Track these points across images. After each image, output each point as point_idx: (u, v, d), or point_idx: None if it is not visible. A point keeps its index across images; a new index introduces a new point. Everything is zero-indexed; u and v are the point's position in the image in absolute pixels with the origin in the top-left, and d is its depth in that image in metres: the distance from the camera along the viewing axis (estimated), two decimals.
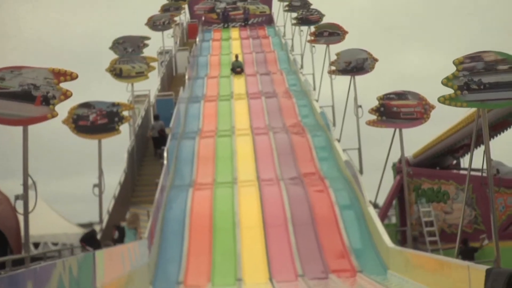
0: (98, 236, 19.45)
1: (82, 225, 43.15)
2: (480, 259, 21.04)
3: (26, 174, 13.02)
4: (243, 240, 18.70)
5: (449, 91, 15.30)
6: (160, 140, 27.49)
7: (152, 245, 17.53)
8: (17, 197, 12.84)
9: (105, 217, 20.48)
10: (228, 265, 17.72)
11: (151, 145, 28.73)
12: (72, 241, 33.73)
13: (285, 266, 17.51)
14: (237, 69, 35.85)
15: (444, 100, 15.17)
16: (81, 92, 16.28)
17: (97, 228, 20.95)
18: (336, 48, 28.98)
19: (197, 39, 44.33)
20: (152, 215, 18.34)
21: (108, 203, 21.55)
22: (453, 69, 15.05)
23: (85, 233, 18.94)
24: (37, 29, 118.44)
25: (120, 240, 18.57)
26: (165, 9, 43.78)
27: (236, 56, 37.11)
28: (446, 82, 15.16)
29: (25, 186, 13.00)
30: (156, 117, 28.84)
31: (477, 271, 10.80)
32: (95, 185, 19.41)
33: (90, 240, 18.22)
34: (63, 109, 16.38)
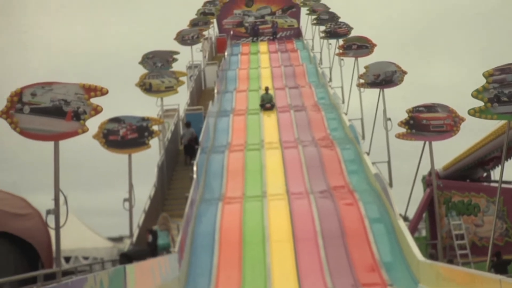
0: (129, 248, 19.49)
1: (113, 239, 43.35)
2: None
3: (57, 189, 13.13)
4: (273, 254, 18.69)
5: (479, 103, 15.25)
6: (191, 148, 27.65)
7: (182, 259, 17.58)
8: (48, 212, 12.95)
9: (136, 231, 20.56)
10: (258, 279, 17.70)
11: (181, 157, 28.86)
12: (102, 255, 33.89)
13: (315, 280, 17.47)
14: (266, 104, 31.48)
15: (474, 112, 15.12)
16: (111, 107, 16.41)
17: (127, 242, 21.01)
18: (364, 61, 28.96)
19: (226, 53, 44.45)
20: (182, 229, 18.40)
21: (139, 217, 21.64)
22: (479, 81, 15.00)
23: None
24: (63, 41, 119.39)
25: (154, 242, 18.63)
26: (193, 23, 44.02)
27: (266, 89, 32.82)
28: (476, 94, 15.11)
29: (57, 201, 13.11)
30: (188, 125, 28.96)
31: (510, 285, 10.70)
32: (125, 200, 19.52)
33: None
34: (93, 124, 16.51)
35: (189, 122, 29.28)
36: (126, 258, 17.82)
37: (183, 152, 28.73)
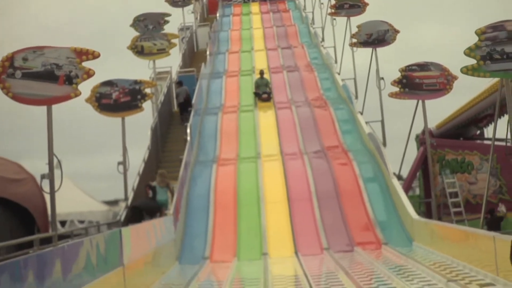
0: (122, 216, 19.60)
1: (108, 203, 43.43)
2: (506, 229, 21.00)
3: (51, 153, 13.14)
4: (268, 215, 18.77)
5: (471, 61, 15.22)
6: (186, 105, 28.11)
7: (178, 221, 17.64)
8: (43, 176, 12.96)
9: (130, 194, 20.61)
10: (253, 240, 17.79)
11: (175, 119, 28.87)
12: (98, 219, 33.99)
13: (310, 239, 17.56)
14: (263, 95, 27.45)
15: (467, 70, 15.11)
16: (102, 70, 16.35)
17: (122, 205, 21.10)
18: (357, 20, 28.84)
19: (218, 15, 44.23)
20: (177, 191, 18.44)
21: (133, 181, 21.67)
22: (472, 40, 14.97)
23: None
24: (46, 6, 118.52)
25: (154, 198, 18.76)
26: None
27: (261, 73, 28.49)
28: (469, 52, 15.08)
29: (51, 165, 13.12)
30: (180, 83, 29.62)
31: (503, 242, 10.78)
32: (119, 163, 19.54)
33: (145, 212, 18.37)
34: (86, 88, 16.46)
35: (181, 80, 29.64)
36: (137, 210, 18.40)
37: (179, 111, 28.98)
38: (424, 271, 12.67)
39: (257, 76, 28.37)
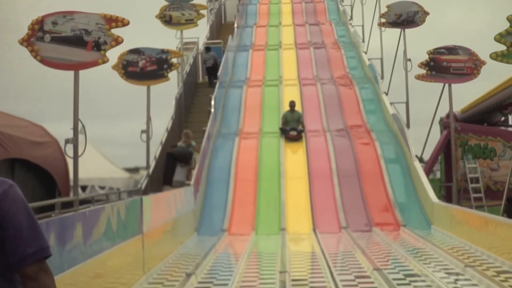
0: (143, 184, 19.73)
1: (129, 170, 43.64)
2: None
3: (76, 118, 13.21)
4: (288, 191, 18.82)
5: (501, 47, 15.11)
6: (214, 69, 28.69)
7: (198, 192, 17.73)
8: (67, 141, 13.03)
9: (152, 163, 20.70)
10: (272, 215, 17.85)
11: (200, 91, 28.93)
12: (119, 185, 34.18)
13: (329, 217, 17.60)
14: (291, 132, 22.16)
15: (496, 56, 15.00)
16: (130, 38, 16.37)
17: (143, 173, 21.20)
18: (387, 0, 28.64)
19: None
20: (199, 162, 18.51)
21: (155, 149, 21.76)
22: (500, 26, 14.85)
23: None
24: None
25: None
26: None
27: (292, 105, 22.96)
28: (499, 38, 14.97)
29: (75, 130, 13.19)
30: (208, 49, 30.39)
31: None
32: (143, 131, 19.59)
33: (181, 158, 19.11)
34: (113, 55, 16.47)
35: (209, 46, 30.82)
36: (172, 157, 19.09)
37: (207, 73, 30.09)
38: (442, 255, 12.68)
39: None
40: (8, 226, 3.07)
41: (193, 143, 19.97)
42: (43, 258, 3.12)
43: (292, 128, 22.07)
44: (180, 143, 19.82)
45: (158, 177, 20.01)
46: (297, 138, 21.88)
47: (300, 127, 22.22)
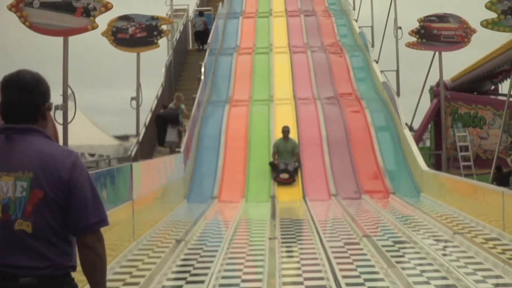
0: (133, 151, 19.72)
1: (118, 137, 43.55)
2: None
3: (65, 85, 13.13)
4: None
5: (492, 15, 15.08)
6: (204, 34, 28.51)
7: (188, 159, 17.72)
8: (56, 107, 12.97)
9: (142, 130, 20.65)
10: (262, 183, 17.89)
11: (191, 57, 28.82)
12: (108, 153, 34.13)
13: (319, 185, 17.64)
14: (281, 174, 17.95)
15: (486, 24, 14.98)
16: (120, 4, 16.26)
17: (133, 141, 21.18)
18: None
19: None
20: (189, 130, 18.49)
21: (145, 117, 21.70)
22: None
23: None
24: None
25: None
26: None
27: (285, 131, 18.60)
28: (490, 6, 14.92)
29: (65, 97, 13.12)
30: (201, 14, 30.32)
31: None
32: (132, 98, 19.51)
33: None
34: (102, 21, 16.33)
35: (202, 11, 30.62)
36: (161, 118, 19.66)
37: (196, 37, 29.81)
38: (431, 222, 12.74)
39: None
40: (76, 196, 3.27)
41: (183, 106, 20.12)
42: (101, 228, 3.36)
43: (283, 169, 17.64)
44: (171, 105, 20.01)
45: (148, 144, 19.99)
46: (289, 182, 17.52)
47: (294, 163, 17.75)
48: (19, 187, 3.23)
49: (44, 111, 3.43)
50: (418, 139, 25.74)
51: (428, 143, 30.75)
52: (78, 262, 3.37)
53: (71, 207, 3.26)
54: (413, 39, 20.57)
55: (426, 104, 27.94)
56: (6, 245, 3.22)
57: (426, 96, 27.75)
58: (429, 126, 27.34)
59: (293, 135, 19.52)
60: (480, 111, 26.04)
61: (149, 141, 20.26)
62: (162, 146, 19.85)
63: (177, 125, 19.43)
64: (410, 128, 23.53)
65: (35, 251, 3.21)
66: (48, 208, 3.23)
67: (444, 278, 8.40)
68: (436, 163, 24.71)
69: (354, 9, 32.46)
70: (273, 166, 17.95)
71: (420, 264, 9.23)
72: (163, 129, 19.48)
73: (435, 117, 26.03)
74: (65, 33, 13.06)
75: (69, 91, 13.24)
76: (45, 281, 3.22)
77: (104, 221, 3.35)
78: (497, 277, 8.40)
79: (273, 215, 14.01)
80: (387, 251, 9.99)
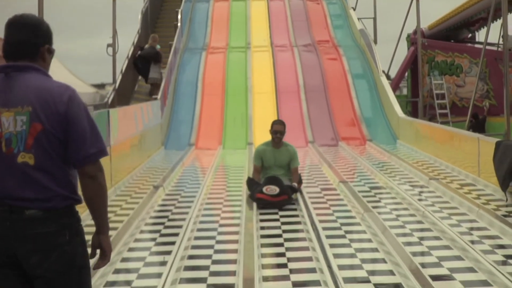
0: (110, 98, 19.64)
1: (95, 86, 43.29)
2: (489, 132, 21.16)
3: None
4: (255, 105, 18.82)
5: None
6: None
7: (165, 106, 17.68)
8: None
9: (119, 78, 20.52)
10: (239, 130, 17.89)
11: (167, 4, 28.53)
12: (85, 100, 33.85)
13: (296, 132, 17.64)
14: (265, 187, 9.70)
15: None
16: None
17: (109, 89, 21.07)
18: None
19: None
20: (165, 76, 18.41)
21: (122, 64, 21.54)
22: None
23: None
24: None
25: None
26: None
27: (277, 133, 10.50)
28: None
29: None
30: None
31: (487, 143, 10.90)
32: (109, 45, 19.36)
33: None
34: None
35: None
36: (141, 58, 19.91)
37: None
38: (407, 168, 12.84)
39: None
40: (74, 129, 3.37)
41: (158, 46, 20.21)
42: (101, 158, 3.46)
43: (268, 181, 9.91)
44: (146, 46, 20.06)
45: (124, 92, 19.89)
46: (278, 203, 9.58)
47: (290, 182, 10.36)
48: (19, 121, 3.35)
49: (44, 53, 3.52)
50: (395, 87, 25.79)
51: (405, 91, 30.84)
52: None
53: (70, 139, 3.37)
54: None
55: (403, 53, 27.98)
56: (11, 178, 3.34)
57: (403, 44, 27.78)
58: (406, 74, 27.39)
59: (269, 82, 19.52)
60: (457, 59, 26.08)
61: (126, 89, 20.15)
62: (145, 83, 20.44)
63: (159, 62, 19.69)
64: (387, 77, 23.56)
65: (38, 183, 3.34)
66: (47, 140, 3.35)
67: (419, 222, 8.49)
68: (412, 111, 24.82)
69: None
70: (250, 184, 10.32)
71: (396, 209, 9.31)
72: (146, 68, 19.73)
73: (412, 65, 26.09)
74: None
75: None
76: (49, 213, 3.33)
77: (103, 152, 3.45)
78: (471, 221, 8.51)
79: (250, 162, 14.02)
80: (364, 196, 10.07)
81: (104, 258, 3.55)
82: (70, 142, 3.37)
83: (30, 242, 3.31)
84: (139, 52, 20.32)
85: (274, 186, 9.48)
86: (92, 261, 3.52)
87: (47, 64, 3.55)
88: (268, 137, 10.66)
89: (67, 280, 3.38)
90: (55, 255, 3.33)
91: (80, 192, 3.48)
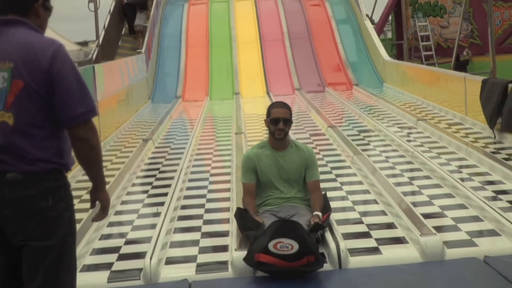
0: (94, 55, 19.52)
1: (79, 43, 43.01)
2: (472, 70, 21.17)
3: None
4: (240, 55, 18.76)
5: None
6: None
7: (150, 60, 17.61)
8: None
9: (102, 33, 20.34)
10: (225, 80, 17.86)
11: None
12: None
13: (282, 80, 17.66)
14: (276, 240, 5.05)
15: None
16: None
17: (92, 46, 20.93)
18: None
19: None
20: (149, 30, 18.29)
21: (104, 19, 21.33)
22: None
23: None
24: None
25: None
26: None
27: (278, 120, 5.99)
28: None
29: None
30: None
31: (473, 82, 10.94)
32: (90, 1, 19.16)
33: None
34: None
35: None
36: (128, 5, 20.29)
37: None
38: (394, 110, 12.87)
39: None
40: (59, 86, 3.18)
41: None
42: (91, 118, 3.28)
43: (277, 230, 5.15)
44: None
45: (108, 48, 19.74)
46: (297, 273, 5.08)
47: (308, 211, 5.92)
48: (0, 78, 3.18)
49: (38, 9, 3.36)
50: (379, 31, 25.69)
51: (389, 35, 30.73)
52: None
53: (56, 98, 3.19)
54: None
55: None
56: None
57: None
58: (390, 17, 27.28)
59: (253, 32, 19.56)
60: (440, 0, 25.98)
61: (110, 45, 19.99)
62: (132, 35, 20.22)
63: (145, 9, 19.82)
64: (371, 21, 23.46)
65: (17, 145, 3.17)
66: (29, 99, 3.18)
67: (409, 162, 8.54)
68: (398, 54, 24.78)
69: None
70: (244, 222, 5.81)
71: (385, 151, 9.37)
72: (132, 16, 19.93)
73: (395, 7, 25.96)
74: None
75: None
76: (30, 177, 3.17)
77: (92, 111, 3.27)
78: (460, 159, 8.57)
79: (238, 111, 14.04)
80: (353, 140, 10.11)
81: (103, 212, 3.46)
82: (56, 101, 3.18)
83: (10, 207, 3.15)
84: (125, 0, 20.32)
85: (288, 240, 5.04)
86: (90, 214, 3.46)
87: (41, 21, 3.36)
88: (257, 96, 10.67)
89: (50, 248, 3.20)
90: (36, 220, 3.18)
91: (69, 156, 3.33)
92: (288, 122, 5.96)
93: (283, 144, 6.03)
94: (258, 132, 11.79)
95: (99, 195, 3.43)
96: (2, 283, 3.31)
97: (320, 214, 5.70)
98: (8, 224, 3.19)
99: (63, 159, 3.29)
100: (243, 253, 5.10)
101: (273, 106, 6.13)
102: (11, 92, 3.16)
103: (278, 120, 5.91)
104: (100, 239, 6.15)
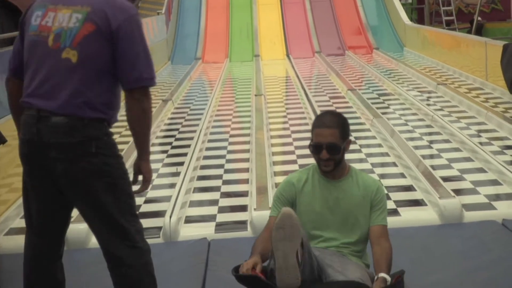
0: None
1: None
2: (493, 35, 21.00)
3: None
4: (260, 17, 18.67)
5: None
6: None
7: (170, 21, 17.57)
8: None
9: None
10: (245, 42, 17.82)
11: None
12: None
13: (302, 43, 17.60)
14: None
15: None
16: None
17: None
18: None
19: None
20: None
21: None
22: None
23: None
24: None
25: None
26: None
27: (321, 149, 3.93)
28: None
29: None
30: None
31: (494, 47, 10.87)
32: None
33: None
34: None
35: None
36: None
37: None
38: (414, 75, 12.82)
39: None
40: (128, 47, 3.27)
41: None
42: (151, 85, 3.38)
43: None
44: None
45: None
46: None
47: (365, 272, 3.84)
48: (74, 18, 3.26)
49: None
50: None
51: (410, 0, 30.53)
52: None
53: (123, 59, 3.27)
54: None
55: None
56: (52, 74, 3.25)
57: None
58: None
59: None
60: None
61: None
62: None
63: None
64: None
65: (74, 83, 3.23)
66: (97, 43, 3.25)
67: (428, 126, 8.54)
68: (418, 18, 24.60)
69: None
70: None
71: (405, 114, 9.37)
72: None
73: None
74: None
75: None
76: (75, 122, 3.22)
77: (153, 80, 3.37)
78: (480, 123, 8.55)
79: (257, 73, 14.02)
80: (372, 103, 10.09)
81: (145, 184, 3.48)
82: (123, 60, 3.26)
83: (54, 150, 3.21)
84: None
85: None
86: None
87: None
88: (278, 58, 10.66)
89: (98, 191, 3.25)
90: (82, 165, 3.23)
91: (115, 111, 3.38)
92: (335, 149, 3.84)
93: (338, 173, 3.96)
94: (278, 94, 11.82)
95: (142, 164, 3.44)
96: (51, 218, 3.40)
97: (387, 277, 3.67)
98: (54, 168, 3.25)
99: (110, 110, 3.35)
100: (262, 212, 5.12)
101: (316, 123, 3.98)
102: (80, 32, 3.25)
103: (320, 147, 3.86)
104: None
